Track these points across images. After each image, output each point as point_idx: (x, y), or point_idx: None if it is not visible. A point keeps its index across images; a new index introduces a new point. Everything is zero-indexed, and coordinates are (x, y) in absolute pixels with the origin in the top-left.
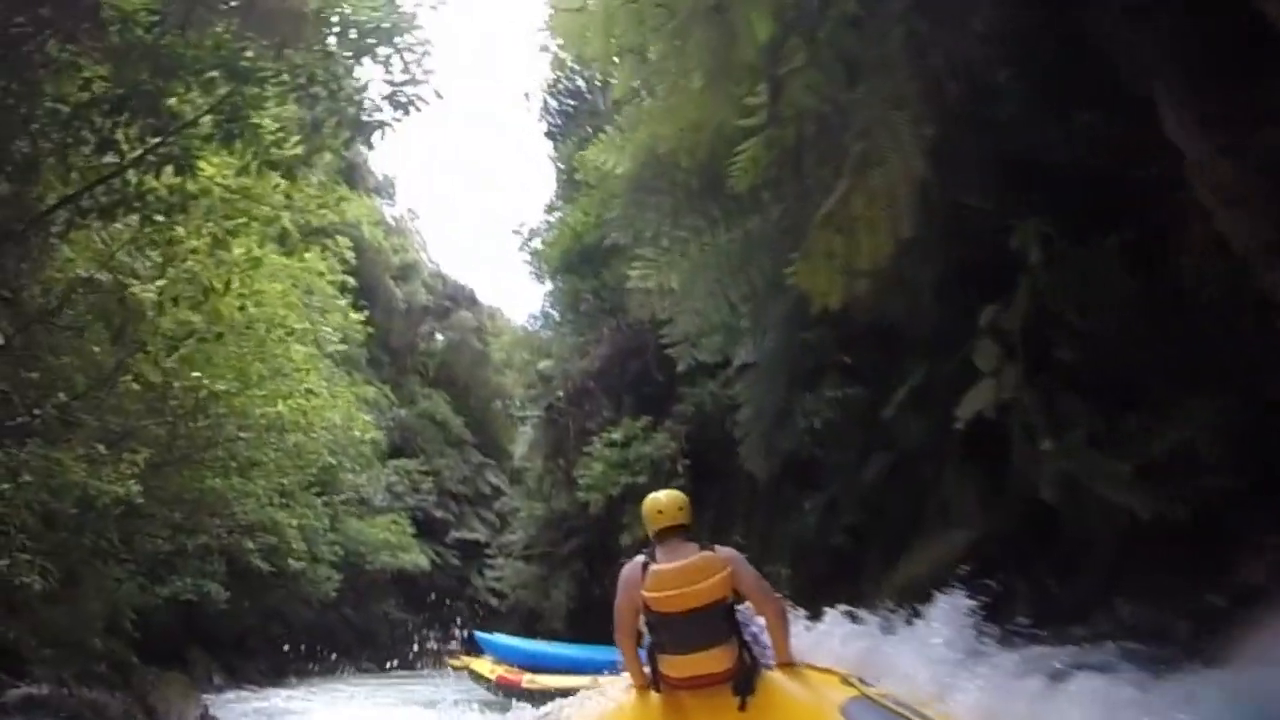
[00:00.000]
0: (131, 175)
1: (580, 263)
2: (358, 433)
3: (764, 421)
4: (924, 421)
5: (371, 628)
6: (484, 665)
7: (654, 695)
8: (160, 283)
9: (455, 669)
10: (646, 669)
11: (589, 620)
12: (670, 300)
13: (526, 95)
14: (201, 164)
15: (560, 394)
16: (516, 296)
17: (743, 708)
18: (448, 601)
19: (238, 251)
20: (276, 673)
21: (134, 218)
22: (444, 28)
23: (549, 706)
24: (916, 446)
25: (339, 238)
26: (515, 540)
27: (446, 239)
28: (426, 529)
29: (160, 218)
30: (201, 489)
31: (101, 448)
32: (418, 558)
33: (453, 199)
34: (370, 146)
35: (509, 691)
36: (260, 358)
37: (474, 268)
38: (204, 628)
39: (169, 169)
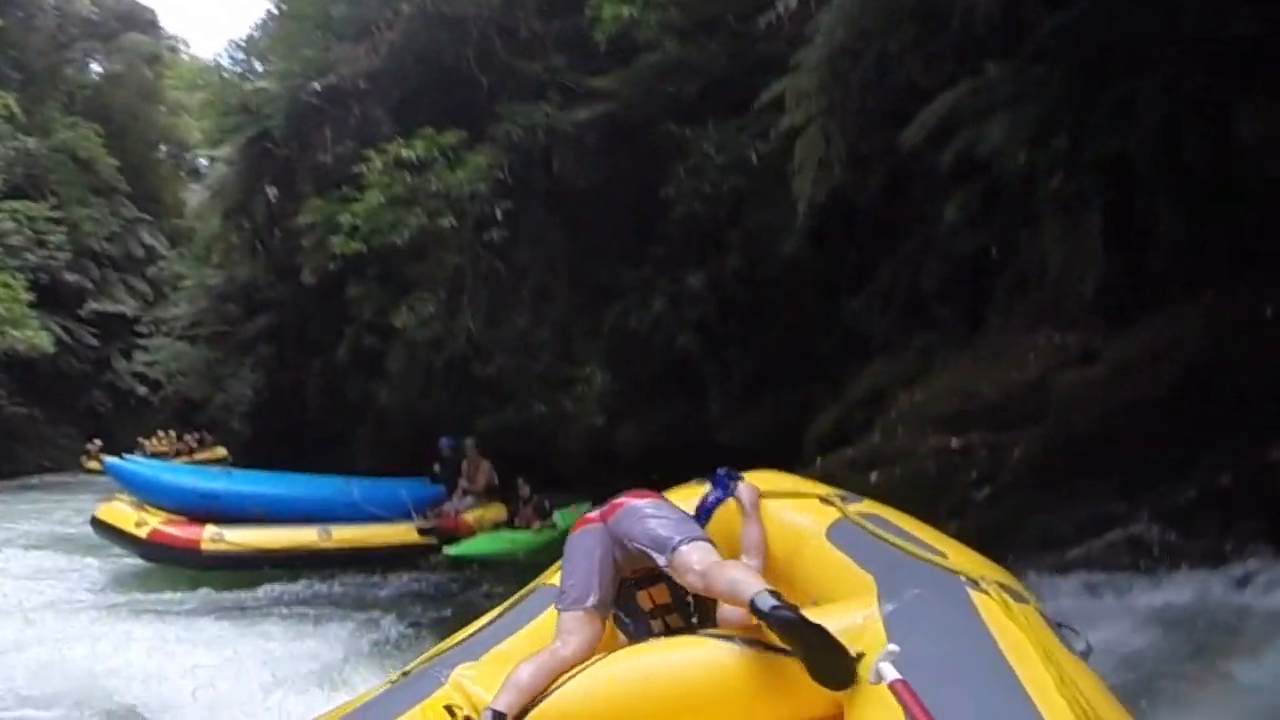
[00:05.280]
0: None
1: None
2: None
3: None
4: None
5: None
6: (124, 513)
7: None
8: None
9: (90, 472)
10: None
11: (283, 420)
12: None
13: None
14: None
15: (284, 115)
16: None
17: None
18: (82, 391)
19: None
20: None
21: None
22: None
23: None
24: None
25: None
26: (177, 316)
27: None
28: (53, 297)
29: None
30: None
31: None
32: (36, 336)
33: None
34: None
35: (177, 557)
36: None
37: None
38: None
39: None
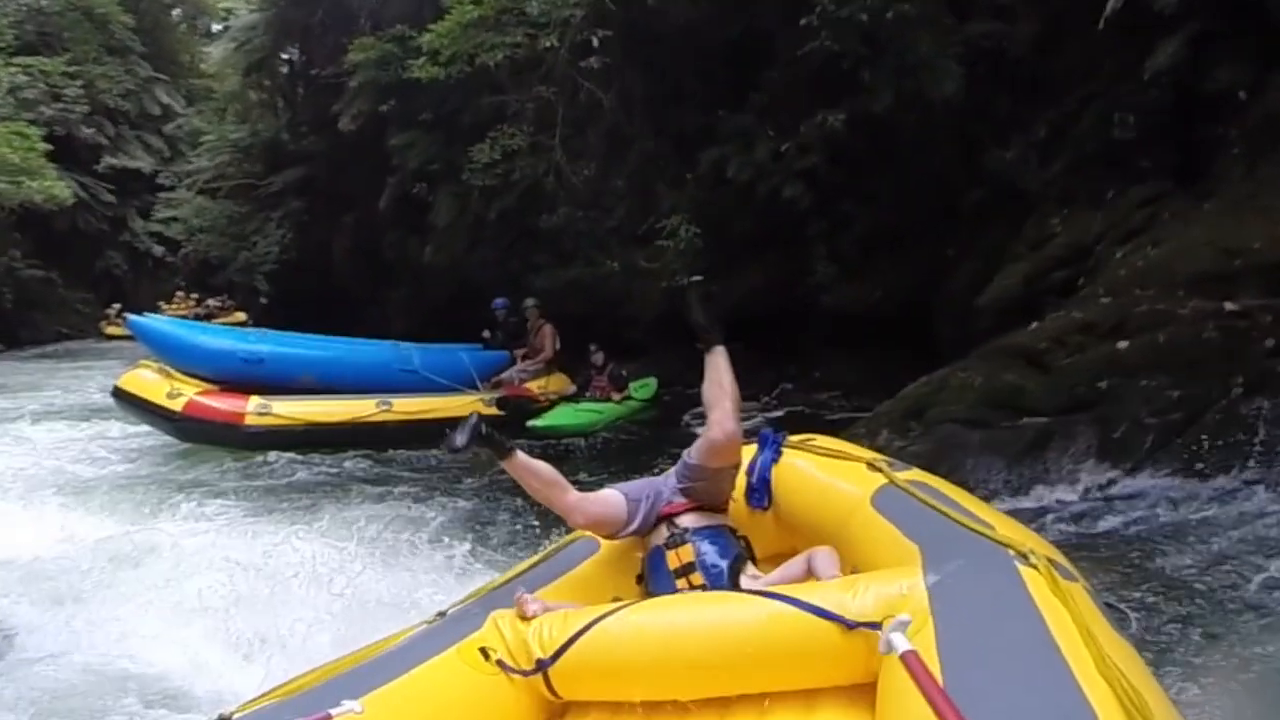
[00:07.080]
0: None
1: None
2: None
3: None
4: None
5: None
6: (152, 382)
7: None
8: None
9: (111, 338)
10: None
11: (308, 282)
12: None
13: None
14: None
15: None
16: None
17: (766, 507)
18: (98, 252)
19: None
20: None
21: None
22: None
23: None
24: None
25: None
26: (199, 169)
27: None
28: (68, 152)
29: None
30: None
31: None
32: (54, 187)
33: None
34: None
35: (216, 433)
36: None
37: None
38: None
39: None
